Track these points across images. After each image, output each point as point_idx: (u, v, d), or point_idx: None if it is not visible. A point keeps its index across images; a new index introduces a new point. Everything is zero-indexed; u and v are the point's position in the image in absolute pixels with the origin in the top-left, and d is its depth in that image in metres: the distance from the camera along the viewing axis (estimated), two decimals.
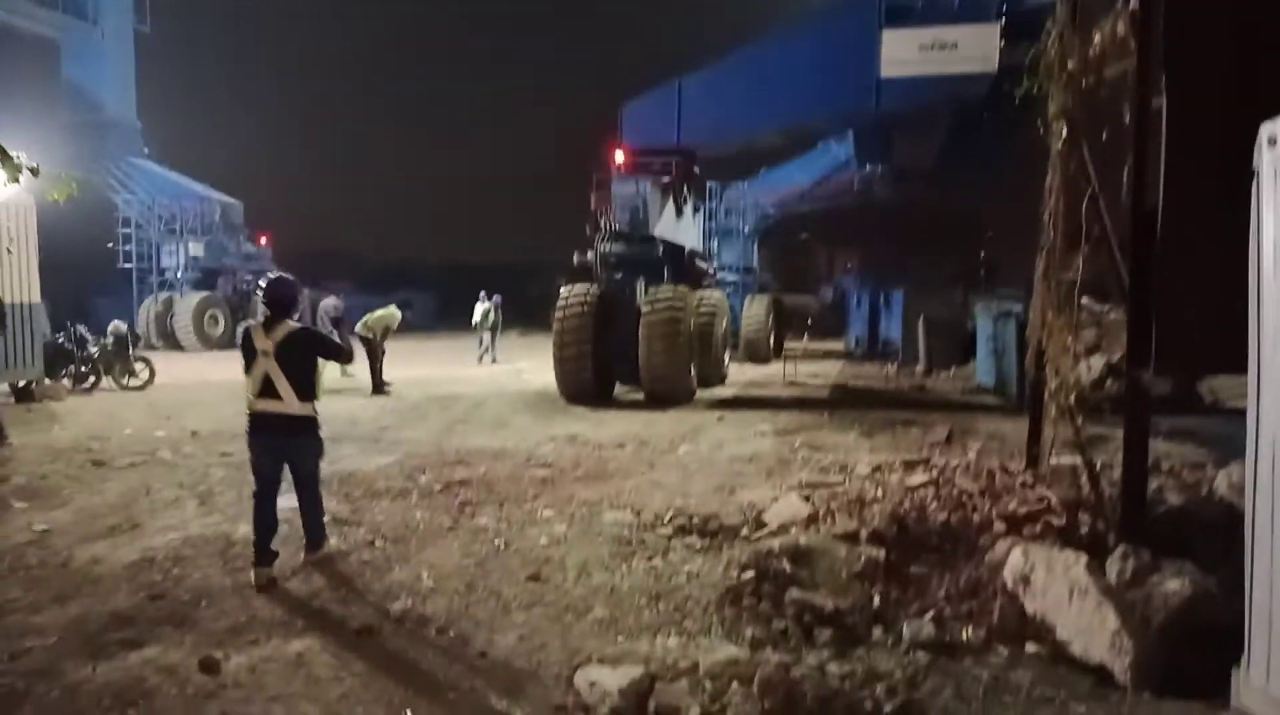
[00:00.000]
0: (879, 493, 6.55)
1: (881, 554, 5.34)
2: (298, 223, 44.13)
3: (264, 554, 5.06)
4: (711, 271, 17.11)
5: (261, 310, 5.16)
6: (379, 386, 14.60)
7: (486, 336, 21.44)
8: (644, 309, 12.02)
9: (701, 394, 13.69)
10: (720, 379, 15.74)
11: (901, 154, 19.54)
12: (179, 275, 27.06)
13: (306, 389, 5.05)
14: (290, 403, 4.95)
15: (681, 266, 14.03)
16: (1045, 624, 4.51)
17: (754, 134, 14.48)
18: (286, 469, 5.27)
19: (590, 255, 12.71)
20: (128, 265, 27.22)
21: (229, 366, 19.05)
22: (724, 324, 15.79)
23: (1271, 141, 3.27)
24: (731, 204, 24.09)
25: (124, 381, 15.31)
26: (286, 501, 5.60)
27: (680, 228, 14.24)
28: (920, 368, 18.08)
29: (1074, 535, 5.30)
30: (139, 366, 15.70)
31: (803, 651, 4.26)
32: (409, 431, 10.38)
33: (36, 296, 13.56)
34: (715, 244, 23.87)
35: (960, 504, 6.06)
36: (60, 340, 14.79)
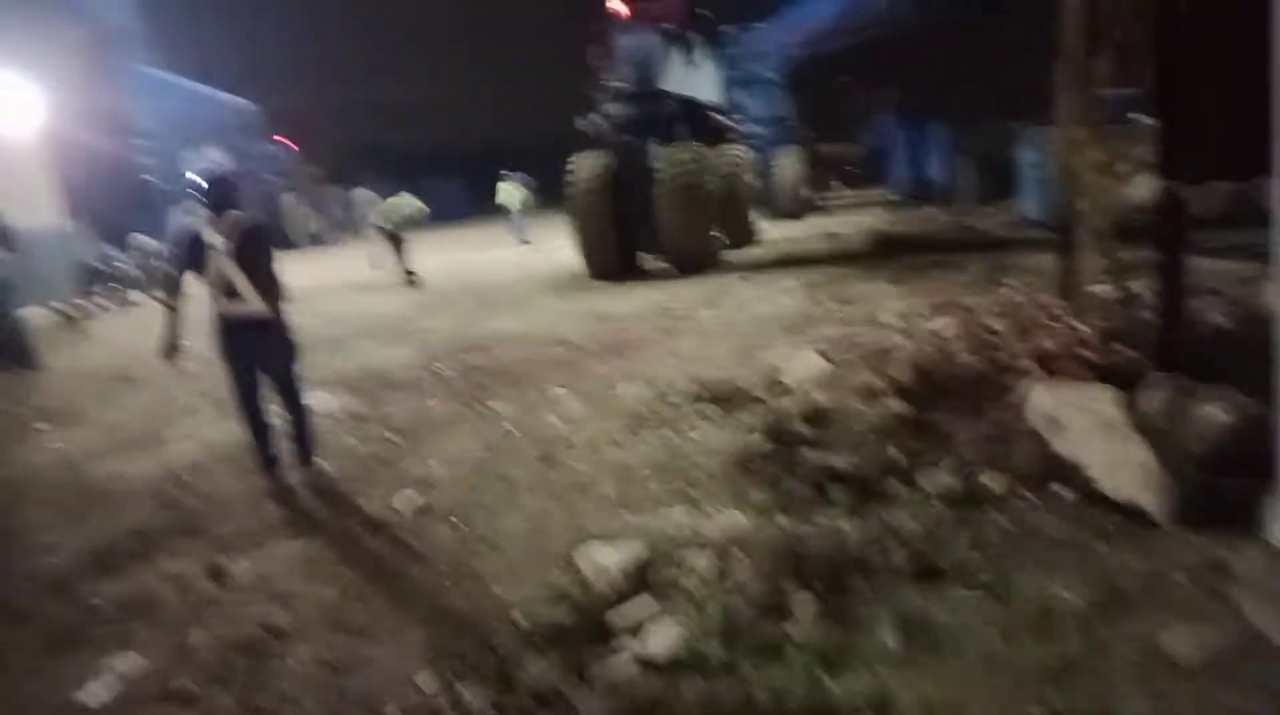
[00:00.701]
0: (902, 341, 6.24)
1: (902, 406, 5.11)
2: (318, 121, 43.18)
3: (269, 460, 4.97)
4: (734, 125, 16.24)
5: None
6: (408, 277, 14.49)
7: (517, 218, 21.05)
8: (659, 172, 11.45)
9: (730, 256, 13.28)
10: (751, 238, 15.25)
11: None
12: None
13: (267, 284, 4.64)
14: (252, 300, 4.63)
15: (697, 122, 13.30)
16: (1073, 464, 4.26)
17: None
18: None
19: (596, 119, 12.04)
20: (150, 178, 27.12)
21: None
22: (750, 181, 15.17)
23: None
24: (754, 49, 22.72)
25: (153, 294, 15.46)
26: (314, 399, 5.63)
27: (691, 79, 13.38)
28: (964, 206, 17.31)
29: (1108, 369, 4.98)
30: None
31: (813, 512, 4.11)
32: (430, 321, 10.28)
33: (61, 220, 13.58)
34: (740, 95, 22.72)
35: (987, 345, 5.74)
36: (90, 261, 14.89)
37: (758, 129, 22.44)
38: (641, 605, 3.38)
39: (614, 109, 12.04)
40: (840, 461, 4.52)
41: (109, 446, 6.09)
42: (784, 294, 9.52)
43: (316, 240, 29.78)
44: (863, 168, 40.75)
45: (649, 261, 12.59)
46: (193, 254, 4.60)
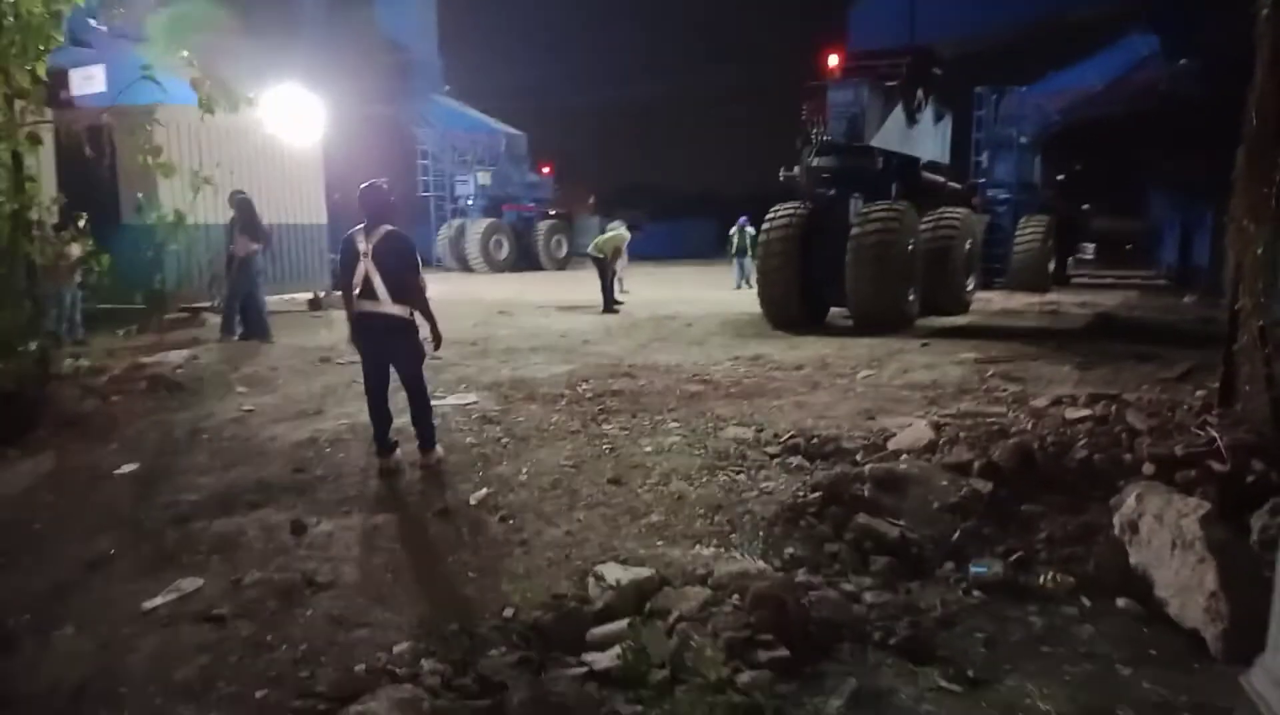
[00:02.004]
0: (1031, 425, 5.83)
1: (989, 487, 4.81)
2: (581, 155, 46.33)
3: (384, 445, 5.54)
4: (963, 187, 15.63)
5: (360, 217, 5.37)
6: (609, 305, 15.26)
7: (740, 262, 21.29)
8: (853, 228, 11.31)
9: (926, 321, 12.78)
10: (961, 305, 14.56)
11: (1213, 40, 16.33)
12: (469, 203, 29.69)
13: (401, 291, 5.26)
14: (385, 302, 5.23)
15: (911, 181, 12.98)
16: (1145, 578, 3.87)
17: (1002, 26, 12.72)
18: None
19: (796, 170, 12.08)
20: (425, 194, 30.35)
21: (502, 287, 21.08)
22: (968, 246, 14.52)
23: None
24: (1008, 112, 21.69)
25: None
26: (457, 399, 6.35)
27: (913, 137, 13.08)
28: (1220, 297, 15.48)
29: (1234, 483, 4.41)
30: None
31: (845, 575, 4.01)
32: (605, 346, 10.79)
33: (323, 218, 15.67)
34: (985, 157, 21.77)
35: (1117, 441, 5.25)
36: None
37: (1002, 193, 21.38)
38: (619, 626, 3.49)
39: (818, 162, 12.06)
40: (892, 531, 4.36)
41: (281, 414, 7.02)
42: (954, 365, 9.09)
43: (564, 264, 31.73)
44: (1136, 244, 37.32)
45: (838, 315, 12.43)
46: (347, 259, 5.32)
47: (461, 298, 18.18)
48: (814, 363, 9.35)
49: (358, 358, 5.66)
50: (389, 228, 5.25)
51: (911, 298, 12.08)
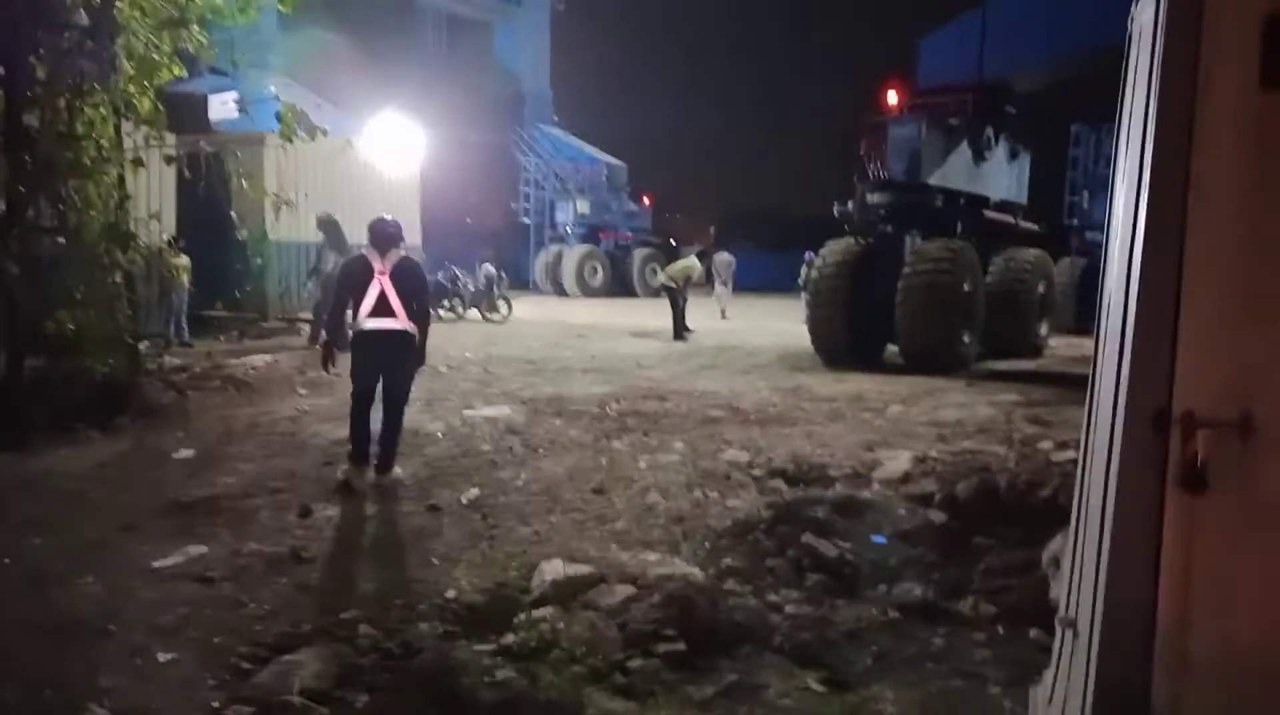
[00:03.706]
0: (1015, 463, 5.92)
1: (943, 518, 4.99)
2: (697, 184, 47.14)
3: (363, 457, 5.76)
4: (1041, 227, 15.35)
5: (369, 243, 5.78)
6: (679, 332, 15.68)
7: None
8: (906, 266, 11.37)
9: (989, 363, 12.63)
10: (1031, 350, 14.27)
11: None
12: (568, 230, 30.71)
13: (414, 310, 5.73)
14: (401, 319, 5.76)
15: (977, 220, 12.89)
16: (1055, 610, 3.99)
17: (1081, 59, 12.35)
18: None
19: (850, 206, 12.19)
20: (526, 220, 31.56)
21: (591, 311, 21.79)
22: (1041, 289, 14.26)
23: None
24: (1109, 151, 21.12)
25: (488, 315, 18.22)
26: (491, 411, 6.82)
27: (982, 175, 12.98)
28: None
29: None
30: (500, 304, 18.55)
31: (774, 588, 4.29)
32: (655, 371, 11.21)
33: (418, 240, 16.73)
34: (1083, 198, 21.18)
35: None
36: (439, 277, 18.03)
37: (1097, 236, 20.74)
38: (544, 612, 3.89)
39: (874, 198, 12.17)
40: (832, 551, 4.60)
41: (331, 414, 7.71)
42: (988, 405, 9.08)
43: (658, 292, 32.28)
44: None
45: (895, 353, 12.46)
46: (355, 278, 5.78)
47: (547, 320, 18.95)
48: (849, 396, 9.51)
49: (339, 373, 5.99)
50: (402, 253, 5.82)
51: (967, 339, 11.98)
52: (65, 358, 7.22)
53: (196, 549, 4.55)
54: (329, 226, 11.89)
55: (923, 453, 6.32)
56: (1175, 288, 1.99)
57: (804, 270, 21.30)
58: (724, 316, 20.08)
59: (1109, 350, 2.24)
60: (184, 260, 11.39)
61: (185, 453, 6.54)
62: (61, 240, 7.47)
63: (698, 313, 16.22)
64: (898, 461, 6.02)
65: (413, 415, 7.42)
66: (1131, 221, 2.12)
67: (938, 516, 5.00)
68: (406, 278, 5.77)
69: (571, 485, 5.79)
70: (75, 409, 7.07)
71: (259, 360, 10.27)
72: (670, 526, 4.98)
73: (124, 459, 6.42)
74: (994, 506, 5.14)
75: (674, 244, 31.99)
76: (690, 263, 16.11)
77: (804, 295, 20.65)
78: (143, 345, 8.60)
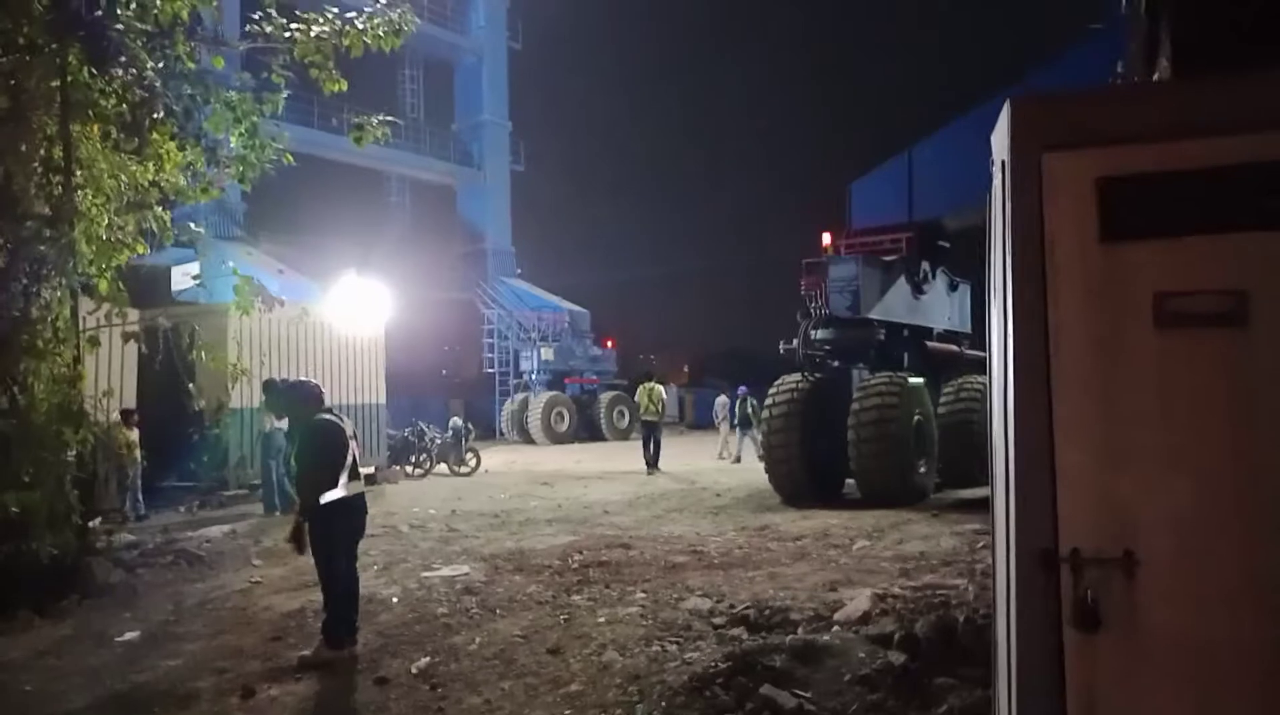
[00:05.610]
0: (974, 597, 5.90)
1: (903, 659, 4.92)
2: (640, 327, 48.37)
3: (354, 631, 5.75)
4: (980, 356, 15.84)
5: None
6: (652, 465, 16.23)
7: (747, 432, 20.13)
8: (853, 401, 11.57)
9: (950, 493, 12.68)
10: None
11: None
12: (533, 377, 30.99)
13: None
14: (361, 480, 5.74)
15: (923, 351, 13.25)
16: None
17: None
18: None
19: (795, 343, 12.50)
20: (490, 370, 31.88)
21: (558, 457, 21.80)
22: None
23: None
24: None
25: (456, 469, 18.10)
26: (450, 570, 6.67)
27: (922, 308, 13.44)
28: None
29: None
30: (469, 456, 18.46)
31: None
32: (622, 517, 11.14)
33: (382, 398, 16.79)
34: None
35: None
36: (405, 433, 17.98)
37: None
38: None
39: (817, 334, 12.50)
40: (791, 702, 4.50)
41: (285, 585, 7.55)
42: (953, 536, 9.09)
43: (626, 434, 32.35)
44: None
45: (854, 487, 12.50)
46: (340, 444, 5.62)
47: (513, 470, 18.87)
48: (815, 533, 9.48)
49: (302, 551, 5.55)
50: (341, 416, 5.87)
51: (924, 469, 12.07)
52: (9, 540, 7.06)
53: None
54: (268, 389, 11.91)
55: (884, 590, 6.28)
56: (1048, 432, 2.10)
57: (736, 406, 20.75)
58: (736, 459, 19.72)
59: (997, 492, 2.33)
60: (133, 435, 11.32)
61: (130, 635, 6.32)
62: (14, 422, 7.44)
63: (699, 453, 16.56)
64: (859, 601, 5.97)
65: (368, 580, 7.31)
66: (1003, 370, 2.26)
67: (897, 657, 4.92)
68: (353, 439, 5.80)
69: (527, 646, 5.65)
70: (18, 592, 6.85)
71: (216, 531, 10.09)
72: (626, 686, 4.86)
73: (64, 645, 6.18)
74: (953, 644, 5.08)
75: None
76: (653, 387, 16.91)
77: (741, 432, 20.18)
78: (94, 522, 8.44)
